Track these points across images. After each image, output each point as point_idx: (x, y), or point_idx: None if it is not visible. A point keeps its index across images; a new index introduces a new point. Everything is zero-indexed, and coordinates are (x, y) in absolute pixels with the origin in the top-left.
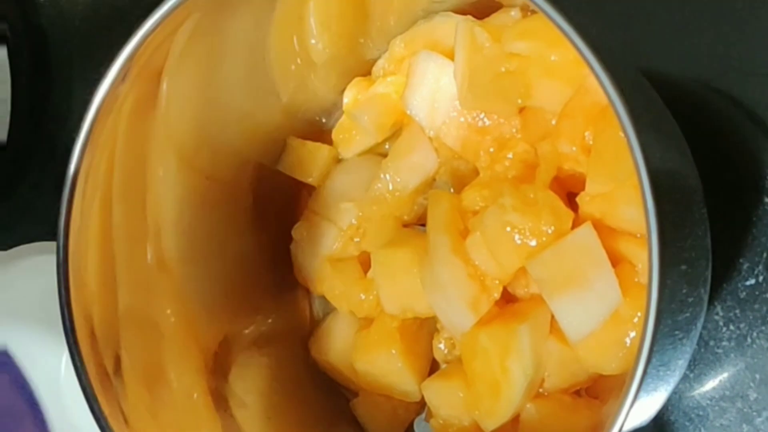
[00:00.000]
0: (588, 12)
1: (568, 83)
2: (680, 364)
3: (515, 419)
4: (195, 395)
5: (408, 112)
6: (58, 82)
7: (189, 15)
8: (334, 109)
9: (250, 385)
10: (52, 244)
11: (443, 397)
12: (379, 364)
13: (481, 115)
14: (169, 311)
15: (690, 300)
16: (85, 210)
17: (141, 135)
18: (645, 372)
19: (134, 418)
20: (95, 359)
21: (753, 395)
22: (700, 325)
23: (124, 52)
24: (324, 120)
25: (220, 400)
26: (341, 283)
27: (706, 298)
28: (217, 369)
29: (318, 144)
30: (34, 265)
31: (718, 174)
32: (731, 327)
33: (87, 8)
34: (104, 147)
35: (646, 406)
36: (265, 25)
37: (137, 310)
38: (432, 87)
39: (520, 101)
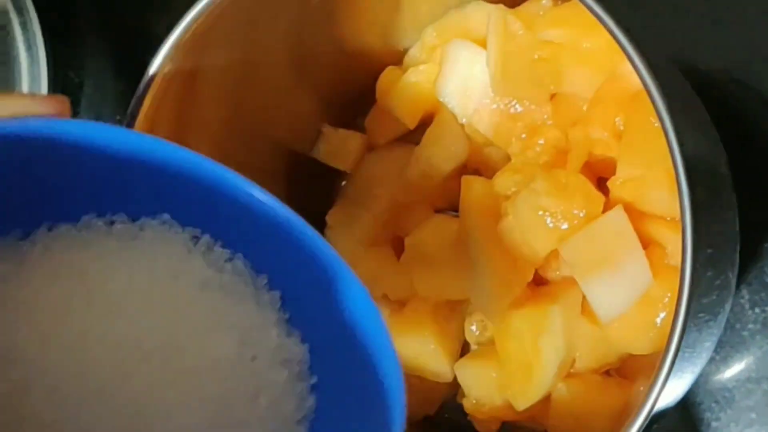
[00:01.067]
0: (617, 2)
1: (599, 70)
2: (707, 347)
3: (546, 399)
4: None
5: (441, 99)
6: (91, 73)
7: (226, 8)
8: (368, 97)
9: None
10: None
11: (476, 377)
12: (412, 346)
13: (513, 102)
14: None
15: (716, 283)
16: None
17: (178, 122)
18: (677, 352)
19: None
20: None
21: None
22: (727, 307)
23: (168, 41)
24: (357, 108)
25: None
26: (375, 268)
27: (733, 281)
28: None
29: (352, 132)
30: None
31: (745, 161)
32: (756, 310)
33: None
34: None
35: (673, 387)
36: (301, 15)
37: None
38: (465, 75)
39: (552, 88)
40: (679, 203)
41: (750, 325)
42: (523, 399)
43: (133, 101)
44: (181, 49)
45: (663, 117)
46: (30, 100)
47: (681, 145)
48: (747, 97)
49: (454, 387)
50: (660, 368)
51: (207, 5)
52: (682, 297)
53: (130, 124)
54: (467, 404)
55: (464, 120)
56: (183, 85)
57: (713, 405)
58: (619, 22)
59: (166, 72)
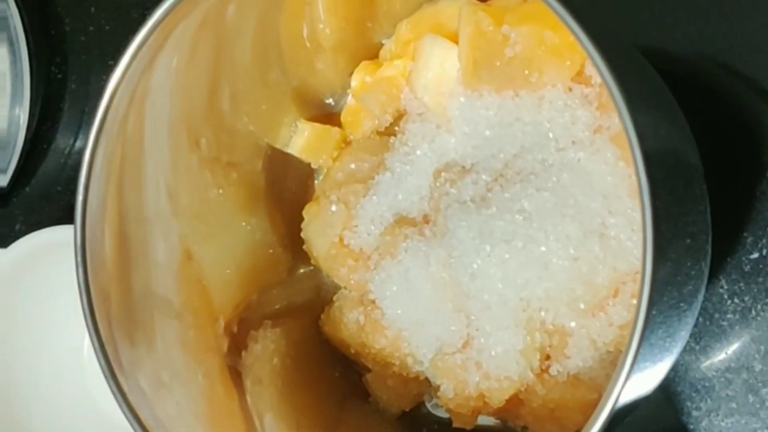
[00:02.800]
0: None
1: (569, 64)
2: (683, 335)
3: (522, 392)
4: (212, 371)
5: (414, 95)
6: (75, 68)
7: (198, 2)
8: (343, 92)
9: (265, 362)
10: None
11: (452, 371)
12: (391, 341)
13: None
14: (184, 291)
15: (693, 273)
16: (101, 193)
17: (154, 120)
18: (640, 344)
19: (153, 394)
20: (114, 338)
21: (758, 367)
22: (701, 297)
23: (136, 39)
24: (332, 103)
25: (236, 376)
26: (349, 263)
27: (706, 271)
28: (233, 346)
29: (327, 126)
30: (58, 247)
31: (723, 149)
32: (736, 300)
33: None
34: (119, 132)
35: (648, 377)
36: (274, 11)
37: (154, 290)
38: (437, 70)
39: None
40: (639, 197)
41: (729, 315)
42: (498, 394)
43: (103, 102)
44: (151, 46)
45: (621, 109)
46: None
47: (641, 140)
48: (724, 84)
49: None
50: (623, 361)
51: (176, 2)
52: (644, 290)
53: (101, 126)
54: (443, 398)
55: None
56: (157, 87)
57: (693, 395)
58: (575, 12)
59: (136, 69)
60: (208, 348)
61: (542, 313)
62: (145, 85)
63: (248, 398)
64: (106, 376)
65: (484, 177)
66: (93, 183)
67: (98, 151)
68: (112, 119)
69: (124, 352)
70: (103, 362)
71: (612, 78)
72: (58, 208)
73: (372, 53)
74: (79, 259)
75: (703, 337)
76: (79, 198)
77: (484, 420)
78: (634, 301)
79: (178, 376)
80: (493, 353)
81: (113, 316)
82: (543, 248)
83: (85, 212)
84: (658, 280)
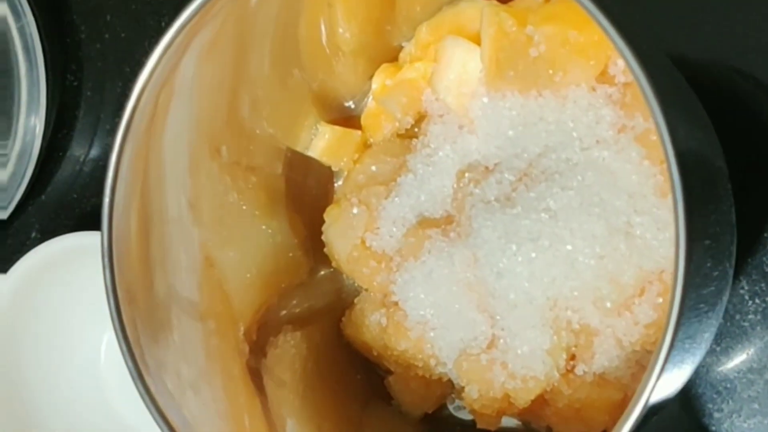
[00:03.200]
0: None
1: (593, 64)
2: (706, 337)
3: (547, 393)
4: (234, 374)
5: (436, 96)
6: (90, 76)
7: (220, 7)
8: (362, 95)
9: (287, 364)
10: (91, 234)
11: (476, 372)
12: (413, 343)
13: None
14: (207, 295)
15: (714, 274)
16: (126, 196)
17: (175, 125)
18: (672, 345)
19: (179, 395)
20: (140, 340)
21: None
22: (725, 298)
23: (162, 41)
24: (352, 106)
25: (259, 378)
26: (371, 264)
27: (731, 272)
28: (256, 349)
29: (348, 129)
30: (74, 255)
31: (743, 152)
32: (757, 300)
33: (118, 2)
34: (144, 135)
35: (673, 378)
36: (294, 16)
37: (178, 293)
38: (459, 71)
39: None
40: (672, 197)
41: (750, 316)
42: (524, 394)
43: (128, 108)
44: (176, 49)
45: (655, 111)
46: None
47: (674, 139)
48: (742, 88)
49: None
50: (655, 361)
51: (199, 6)
52: (676, 291)
53: (127, 129)
54: (467, 399)
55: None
56: (179, 91)
57: (715, 396)
58: (610, 15)
59: (159, 75)
60: (230, 351)
61: (569, 312)
62: (169, 89)
63: (270, 401)
64: (133, 378)
65: (508, 176)
66: (119, 186)
67: (124, 154)
68: (137, 122)
69: (149, 354)
70: (130, 364)
71: (645, 76)
72: (73, 215)
73: (392, 56)
74: (106, 261)
75: (724, 339)
76: (106, 200)
77: (506, 421)
78: (660, 300)
79: (201, 379)
80: (519, 353)
81: (139, 319)
82: (569, 247)
83: (112, 214)
84: (690, 277)
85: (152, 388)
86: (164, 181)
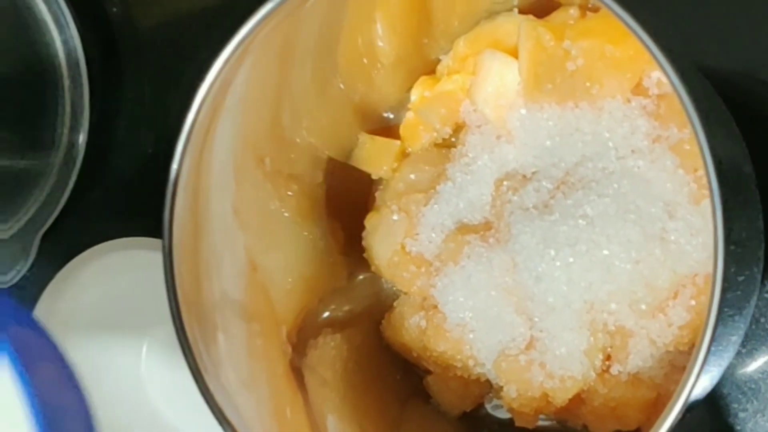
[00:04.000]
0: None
1: (629, 78)
2: (733, 341)
3: (583, 391)
4: (278, 374)
5: (474, 107)
6: (131, 87)
7: (265, 25)
8: (401, 105)
9: (328, 364)
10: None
11: (514, 371)
12: (452, 345)
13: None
14: (252, 299)
15: (740, 279)
16: (181, 205)
17: (223, 136)
18: (710, 347)
19: (234, 394)
20: (197, 340)
21: None
22: (753, 302)
23: (220, 57)
24: (391, 116)
25: (301, 377)
26: (411, 269)
27: (759, 277)
28: (298, 349)
29: (388, 139)
30: (117, 261)
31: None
32: None
33: (159, 16)
34: (199, 146)
35: (701, 382)
36: (335, 30)
37: (227, 295)
38: (497, 83)
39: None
40: (711, 204)
41: None
42: (562, 393)
43: (189, 119)
44: (227, 65)
45: (695, 121)
46: None
47: (712, 147)
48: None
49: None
50: (693, 363)
51: (259, 21)
52: (714, 293)
53: (187, 143)
54: (506, 398)
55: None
56: (228, 102)
57: (740, 396)
58: (648, 29)
59: (217, 88)
60: (274, 351)
61: (605, 315)
62: (221, 102)
63: (312, 399)
64: (194, 377)
65: (545, 184)
66: (178, 194)
67: (183, 164)
68: (195, 134)
69: (206, 353)
70: (191, 362)
71: (684, 88)
72: (116, 223)
73: (429, 69)
74: (167, 264)
75: (749, 341)
76: (166, 208)
77: (542, 420)
78: (693, 303)
79: (251, 378)
80: (557, 354)
81: (194, 320)
82: (606, 252)
83: (172, 221)
84: (727, 280)
85: (211, 387)
86: (212, 189)
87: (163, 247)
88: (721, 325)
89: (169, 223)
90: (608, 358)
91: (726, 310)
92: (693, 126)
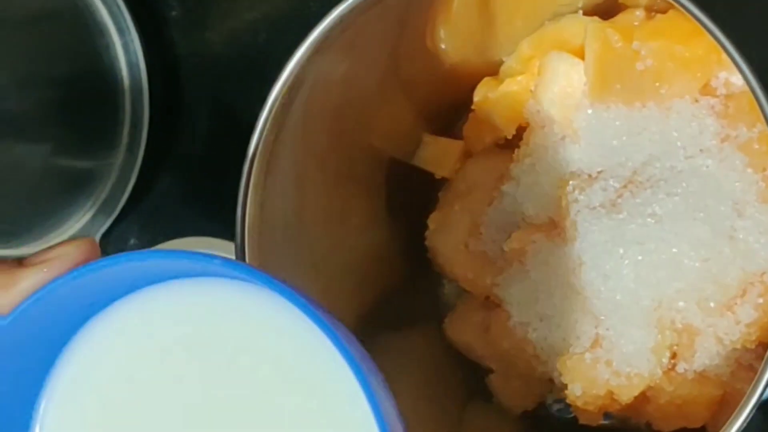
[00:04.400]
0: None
1: (698, 78)
2: None
3: (648, 389)
4: None
5: (539, 108)
6: (189, 89)
7: (333, 29)
8: (464, 106)
9: (391, 364)
10: (194, 241)
11: (580, 370)
12: (516, 343)
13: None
14: (316, 297)
15: None
16: (250, 207)
17: (288, 140)
18: None
19: None
20: None
21: None
22: None
23: (287, 68)
24: (455, 117)
25: None
26: (475, 268)
27: None
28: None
29: (451, 140)
30: None
31: None
32: None
33: (216, 20)
34: (263, 154)
35: None
36: (398, 34)
37: None
38: (563, 84)
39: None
40: None
41: None
42: (628, 390)
43: (258, 129)
44: (299, 68)
45: (767, 114)
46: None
47: None
48: None
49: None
50: (767, 359)
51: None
52: None
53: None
54: (571, 396)
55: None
56: (296, 108)
57: None
58: (722, 28)
59: (283, 94)
60: None
61: (672, 312)
62: (291, 101)
63: None
64: None
65: (612, 184)
66: (250, 193)
67: (254, 168)
68: (266, 137)
69: None
70: None
71: (758, 86)
72: (172, 224)
73: (492, 70)
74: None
75: None
76: (239, 210)
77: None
78: (761, 300)
79: None
80: (624, 351)
81: None
82: (675, 250)
83: (244, 223)
84: None
85: None
86: (275, 192)
87: (236, 244)
88: None
89: (242, 220)
90: (674, 355)
91: None
92: (766, 121)
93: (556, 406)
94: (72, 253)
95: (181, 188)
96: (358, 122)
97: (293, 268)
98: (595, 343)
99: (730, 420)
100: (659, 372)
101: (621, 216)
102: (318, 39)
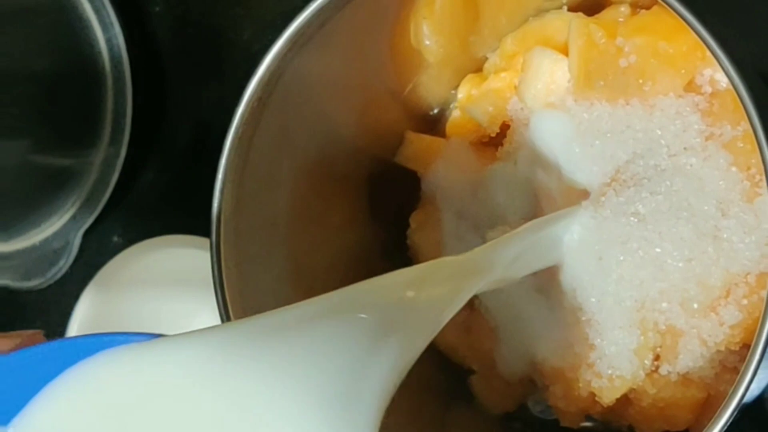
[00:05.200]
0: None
1: (682, 75)
2: None
3: (630, 392)
4: None
5: (523, 105)
6: (173, 85)
7: (312, 23)
8: (447, 103)
9: None
10: (176, 238)
11: (563, 371)
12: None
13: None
14: (300, 296)
15: None
16: (226, 203)
17: (265, 138)
18: (765, 348)
19: None
20: None
21: None
22: None
23: (269, 54)
24: (438, 114)
25: None
26: None
27: None
28: None
29: (434, 138)
30: (158, 259)
31: None
32: None
33: (201, 17)
34: (244, 146)
35: (757, 381)
36: (383, 28)
37: (275, 294)
38: (546, 80)
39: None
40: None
41: None
42: (609, 393)
43: (234, 124)
44: (276, 63)
45: (752, 117)
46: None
47: None
48: None
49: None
50: (749, 361)
51: (307, 18)
52: None
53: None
54: (552, 398)
55: None
56: (273, 105)
57: None
58: (707, 25)
59: (261, 90)
60: None
61: (656, 313)
62: (267, 97)
63: None
64: None
65: (595, 182)
66: (225, 192)
67: (230, 163)
68: (243, 133)
69: None
70: None
71: (742, 83)
72: (156, 221)
73: (476, 67)
74: (215, 260)
75: None
76: (215, 204)
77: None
78: (745, 302)
79: None
80: (606, 353)
81: (242, 317)
82: (658, 250)
83: (220, 217)
84: None
85: None
86: (252, 190)
87: (211, 242)
88: None
89: (217, 218)
90: (657, 357)
91: None
92: (750, 120)
93: (537, 408)
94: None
95: (165, 185)
96: (338, 120)
97: (274, 268)
98: (578, 343)
99: (711, 422)
100: (642, 374)
101: (604, 214)
102: (295, 34)
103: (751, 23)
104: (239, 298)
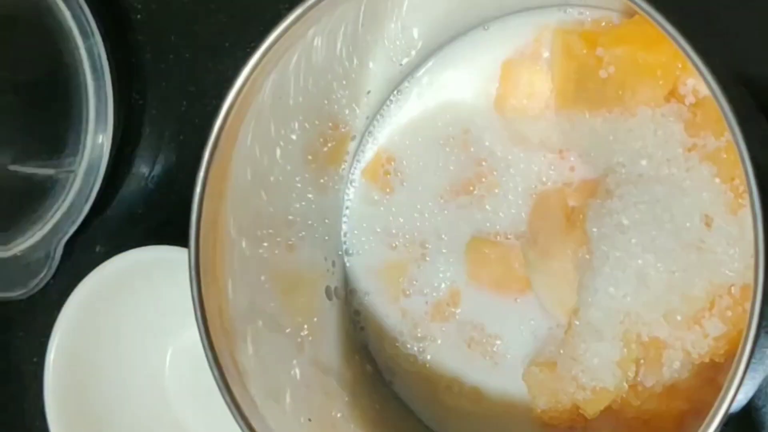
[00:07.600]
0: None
1: (662, 85)
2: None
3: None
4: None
5: (503, 117)
6: (155, 95)
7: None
8: None
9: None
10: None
11: (546, 384)
12: None
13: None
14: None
15: None
16: (206, 215)
17: (243, 149)
18: (750, 360)
19: (261, 403)
20: (223, 351)
21: None
22: None
23: (248, 63)
24: None
25: None
26: None
27: None
28: None
29: None
30: (140, 270)
31: None
32: None
33: (181, 24)
34: (222, 154)
35: (743, 391)
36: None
37: (259, 307)
38: (527, 91)
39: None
40: (751, 212)
41: None
42: (593, 405)
43: (216, 125)
44: (254, 72)
45: (734, 127)
46: None
47: (753, 156)
48: None
49: None
50: (734, 374)
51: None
52: (755, 303)
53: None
54: (536, 410)
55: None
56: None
57: None
58: (686, 35)
59: (243, 98)
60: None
61: (639, 325)
62: (249, 105)
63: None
64: (220, 388)
65: (578, 193)
66: (205, 202)
67: (210, 173)
68: (222, 142)
69: (233, 364)
70: (216, 374)
71: (722, 94)
72: (138, 231)
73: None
74: (194, 273)
75: None
76: (193, 216)
77: None
78: (729, 313)
79: (281, 389)
80: (589, 365)
81: (221, 330)
82: (640, 261)
83: (199, 229)
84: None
85: (238, 398)
86: (235, 198)
87: (189, 255)
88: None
89: (196, 230)
90: (641, 369)
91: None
92: (732, 131)
93: None
94: None
95: (147, 195)
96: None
97: (256, 276)
98: (560, 355)
99: None
100: (625, 386)
101: (586, 225)
102: (274, 42)
103: (732, 28)
104: (219, 309)
